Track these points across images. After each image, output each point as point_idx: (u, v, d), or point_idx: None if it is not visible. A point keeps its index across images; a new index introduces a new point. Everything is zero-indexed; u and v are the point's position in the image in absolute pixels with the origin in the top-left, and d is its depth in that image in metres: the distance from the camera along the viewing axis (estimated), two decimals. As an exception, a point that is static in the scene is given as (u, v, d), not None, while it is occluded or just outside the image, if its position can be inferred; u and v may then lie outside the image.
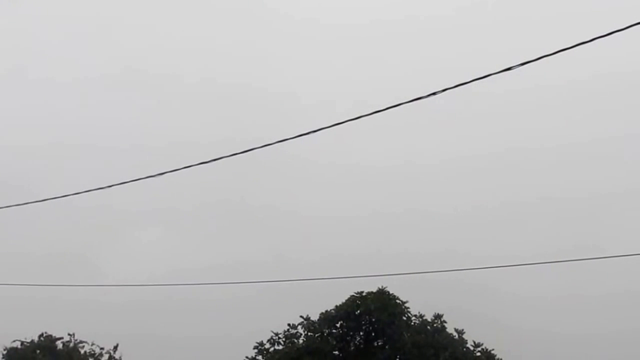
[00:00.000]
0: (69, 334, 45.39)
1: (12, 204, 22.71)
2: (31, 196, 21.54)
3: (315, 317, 38.86)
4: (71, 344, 45.23)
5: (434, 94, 12.99)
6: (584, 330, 46.78)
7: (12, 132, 63.40)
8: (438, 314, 38.53)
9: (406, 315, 38.36)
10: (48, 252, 55.52)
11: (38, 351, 44.11)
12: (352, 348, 38.48)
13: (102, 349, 45.70)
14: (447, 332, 38.08)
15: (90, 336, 45.75)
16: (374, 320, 38.10)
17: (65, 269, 52.77)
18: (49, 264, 53.59)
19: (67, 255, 55.92)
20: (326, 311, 38.77)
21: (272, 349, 38.63)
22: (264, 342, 38.70)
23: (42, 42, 69.48)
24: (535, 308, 48.96)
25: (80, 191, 20.14)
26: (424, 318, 38.50)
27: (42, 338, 44.73)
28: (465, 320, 38.97)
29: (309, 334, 38.63)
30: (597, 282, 46.59)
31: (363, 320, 38.34)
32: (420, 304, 38.96)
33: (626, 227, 49.86)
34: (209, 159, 16.18)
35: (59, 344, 45.00)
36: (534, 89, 60.03)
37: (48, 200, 20.98)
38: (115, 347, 45.74)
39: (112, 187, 18.84)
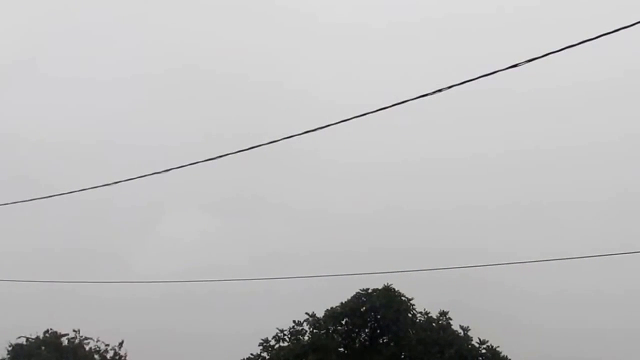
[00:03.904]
0: (74, 331, 45.50)
1: (19, 201, 22.72)
2: (45, 193, 21.59)
3: (320, 314, 38.89)
4: (77, 341, 45.29)
5: (439, 91, 13.00)
6: (589, 327, 46.84)
7: (35, 128, 64.22)
8: (444, 311, 38.58)
9: (412, 313, 38.40)
10: (60, 248, 55.82)
11: (43, 347, 44.17)
12: (358, 345, 38.53)
13: (107, 345, 45.80)
14: (452, 330, 38.12)
15: (96, 333, 45.92)
16: (379, 317, 38.16)
17: (75, 266, 52.94)
18: (59, 261, 53.84)
19: (79, 252, 56.11)
20: (332, 308, 38.79)
21: (277, 346, 38.67)
22: (270, 339, 38.75)
23: (62, 40, 70.17)
24: (541, 306, 48.97)
25: (86, 188, 20.18)
26: (430, 315, 38.55)
27: (47, 334, 44.78)
28: (471, 318, 39.04)
29: (315, 331, 38.65)
30: (602, 281, 46.61)
31: (369, 318, 38.38)
32: (425, 301, 39.06)
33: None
34: (216, 156, 16.22)
35: (65, 341, 45.05)
36: (550, 90, 60.25)
37: (55, 197, 21.00)
38: (121, 344, 45.83)
39: (121, 185, 18.85)
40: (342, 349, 38.42)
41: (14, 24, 69.22)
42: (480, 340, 37.58)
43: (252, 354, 38.79)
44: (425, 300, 39.06)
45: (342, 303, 38.77)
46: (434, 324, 38.19)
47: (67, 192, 20.77)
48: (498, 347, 37.42)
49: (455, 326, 38.25)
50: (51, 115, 66.63)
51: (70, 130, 64.34)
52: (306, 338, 38.63)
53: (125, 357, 45.81)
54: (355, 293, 38.63)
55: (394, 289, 38.29)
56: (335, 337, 38.40)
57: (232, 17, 71.05)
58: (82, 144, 64.38)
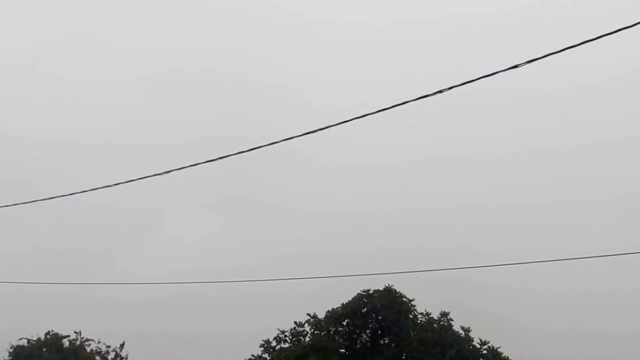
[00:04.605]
0: (75, 332, 45.50)
1: (19, 202, 22.69)
2: (47, 194, 21.56)
3: (321, 315, 38.89)
4: (77, 342, 45.28)
5: (440, 91, 12.98)
6: (590, 328, 46.81)
7: (38, 129, 64.61)
8: (444, 311, 38.56)
9: (412, 313, 38.38)
10: (61, 249, 55.86)
11: (44, 349, 44.17)
12: (359, 346, 38.50)
13: (108, 347, 45.80)
14: (453, 330, 38.10)
15: (97, 334, 45.92)
16: (380, 318, 38.14)
17: (76, 267, 52.96)
18: (60, 262, 53.86)
19: (80, 253, 56.12)
20: (333, 309, 38.77)
21: (278, 347, 38.67)
22: (270, 340, 38.74)
23: (64, 42, 70.51)
24: (543, 306, 48.96)
25: (86, 189, 20.15)
26: (431, 316, 38.53)
27: (48, 336, 44.77)
28: (471, 318, 39.03)
29: (316, 332, 38.64)
30: (604, 281, 46.59)
31: (369, 318, 38.37)
32: (426, 301, 39.05)
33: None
34: (216, 157, 16.21)
35: (66, 342, 45.05)
36: (552, 90, 60.34)
37: (56, 198, 20.97)
38: (122, 345, 45.81)
39: (121, 186, 18.82)
40: (343, 350, 38.39)
41: (17, 24, 69.60)
42: (481, 340, 37.57)
43: (252, 355, 38.78)
44: (426, 301, 39.10)
45: (343, 304, 38.74)
46: (434, 325, 38.17)
47: (67, 194, 20.74)
48: (499, 347, 37.43)
49: (456, 327, 38.26)
50: (54, 116, 66.89)
51: (73, 131, 64.62)
52: (307, 339, 38.62)
53: (126, 358, 45.82)
54: (356, 294, 38.63)
55: (395, 290, 38.29)
56: (336, 337, 38.39)
57: (234, 19, 71.27)
58: (86, 144, 64.71)
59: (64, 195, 20.84)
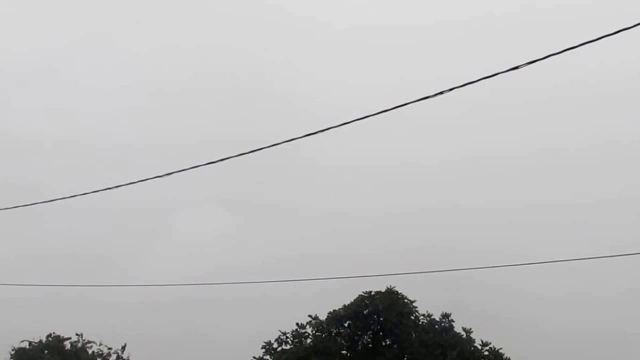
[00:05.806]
0: (77, 334, 45.55)
1: (19, 205, 22.68)
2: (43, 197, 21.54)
3: (323, 316, 38.90)
4: (79, 344, 45.33)
5: (441, 93, 12.96)
6: (591, 328, 46.83)
7: (44, 132, 65.00)
8: (446, 313, 38.56)
9: (414, 315, 38.39)
10: (64, 252, 55.96)
11: (46, 351, 44.21)
12: (360, 347, 38.50)
13: (109, 349, 45.82)
14: (454, 331, 38.09)
15: (99, 336, 45.93)
16: (382, 319, 38.13)
17: (78, 270, 53.00)
18: (62, 265, 53.94)
19: (82, 256, 56.19)
20: (334, 311, 38.78)
21: (280, 348, 38.65)
22: (272, 341, 38.74)
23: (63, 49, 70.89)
24: (543, 306, 48.96)
25: (87, 192, 20.09)
26: (432, 317, 38.53)
27: (50, 338, 44.83)
28: (473, 320, 39.04)
29: (317, 333, 38.65)
30: (605, 282, 46.62)
31: (371, 320, 38.36)
32: (428, 303, 39.08)
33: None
34: (217, 159, 16.19)
35: (67, 344, 45.09)
36: (548, 91, 60.40)
37: (57, 200, 20.94)
38: (123, 347, 45.84)
39: (124, 188, 18.79)
40: (344, 352, 38.40)
41: (34, 32, 70.23)
42: (482, 342, 37.55)
43: (254, 357, 38.75)
44: (428, 303, 39.13)
45: (344, 305, 38.74)
46: (436, 326, 38.18)
47: (68, 196, 20.71)
48: (500, 348, 37.40)
49: (458, 328, 38.26)
50: (58, 120, 67.27)
51: (84, 134, 65.17)
52: (309, 340, 38.62)
53: (128, 360, 45.89)
54: (357, 295, 38.63)
55: (396, 291, 38.32)
56: (338, 339, 38.39)
57: (242, 22, 71.72)
58: (98, 147, 65.09)
59: (64, 198, 20.81)
